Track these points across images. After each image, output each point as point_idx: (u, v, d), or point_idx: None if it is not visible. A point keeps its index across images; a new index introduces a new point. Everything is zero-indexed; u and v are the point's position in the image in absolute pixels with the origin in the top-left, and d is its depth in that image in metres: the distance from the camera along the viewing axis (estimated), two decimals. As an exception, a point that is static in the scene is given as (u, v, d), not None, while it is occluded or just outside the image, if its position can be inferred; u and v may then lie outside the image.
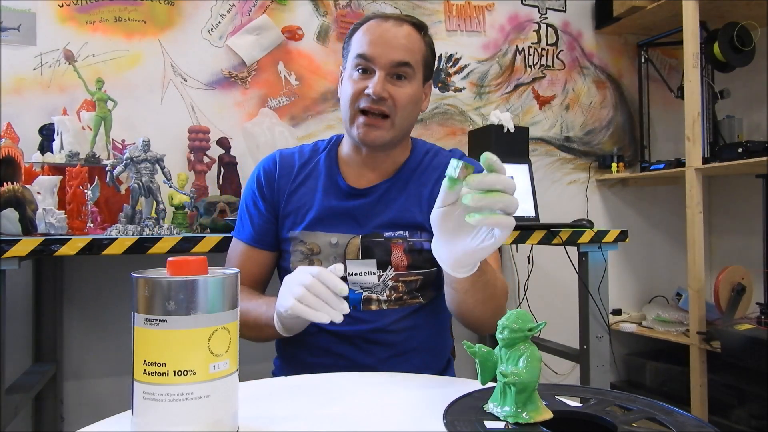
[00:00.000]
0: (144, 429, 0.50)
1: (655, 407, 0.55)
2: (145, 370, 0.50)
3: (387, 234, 1.03)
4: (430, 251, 1.03)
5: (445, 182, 0.66)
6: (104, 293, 1.77)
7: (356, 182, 1.05)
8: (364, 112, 0.99)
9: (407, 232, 1.03)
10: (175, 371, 0.50)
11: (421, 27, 1.04)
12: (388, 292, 1.02)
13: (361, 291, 1.02)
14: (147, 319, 0.50)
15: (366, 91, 0.97)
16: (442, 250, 0.72)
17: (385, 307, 1.02)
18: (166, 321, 0.50)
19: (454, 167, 0.63)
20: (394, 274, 1.02)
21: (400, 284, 1.02)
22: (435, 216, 0.69)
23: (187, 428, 0.50)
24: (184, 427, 0.50)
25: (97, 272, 1.76)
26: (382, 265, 1.02)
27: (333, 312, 0.76)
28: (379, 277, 1.02)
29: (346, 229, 1.03)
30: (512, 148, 1.94)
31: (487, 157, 0.62)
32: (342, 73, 1.07)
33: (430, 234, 1.03)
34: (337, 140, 1.12)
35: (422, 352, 1.05)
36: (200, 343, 0.51)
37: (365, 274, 1.02)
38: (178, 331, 0.50)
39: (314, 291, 0.76)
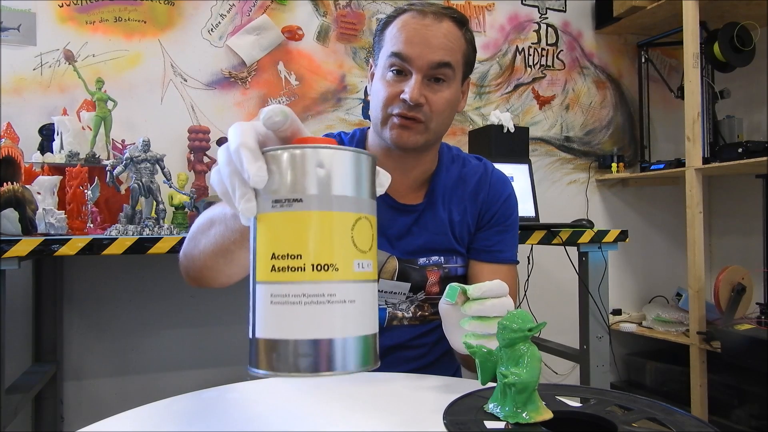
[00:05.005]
0: (272, 336, 0.40)
1: (655, 407, 0.55)
2: (273, 266, 0.40)
3: (422, 260, 0.99)
4: (463, 276, 1.03)
5: (445, 296, 0.68)
6: (104, 293, 1.77)
7: (390, 189, 0.99)
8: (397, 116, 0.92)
9: (442, 258, 1.00)
10: (313, 265, 0.39)
11: (462, 22, 0.93)
12: (413, 310, 1.00)
13: (386, 307, 1.00)
14: (277, 201, 0.40)
15: (402, 96, 0.89)
16: (447, 332, 0.73)
17: (405, 323, 1.00)
18: (301, 201, 0.40)
19: (452, 294, 0.66)
20: (424, 297, 1.00)
21: (427, 304, 1.01)
22: (441, 309, 0.71)
23: (331, 335, 0.40)
24: (325, 333, 0.39)
25: (97, 272, 1.76)
26: (415, 289, 1.00)
27: (234, 207, 0.45)
28: (407, 297, 1.00)
29: (380, 245, 0.98)
30: (512, 148, 1.94)
31: (472, 293, 0.65)
32: (371, 68, 0.99)
33: (464, 258, 1.03)
34: (362, 137, 1.04)
35: (435, 368, 1.04)
36: (343, 232, 0.40)
37: (396, 293, 0.99)
38: (317, 213, 0.40)
39: (224, 173, 0.46)
